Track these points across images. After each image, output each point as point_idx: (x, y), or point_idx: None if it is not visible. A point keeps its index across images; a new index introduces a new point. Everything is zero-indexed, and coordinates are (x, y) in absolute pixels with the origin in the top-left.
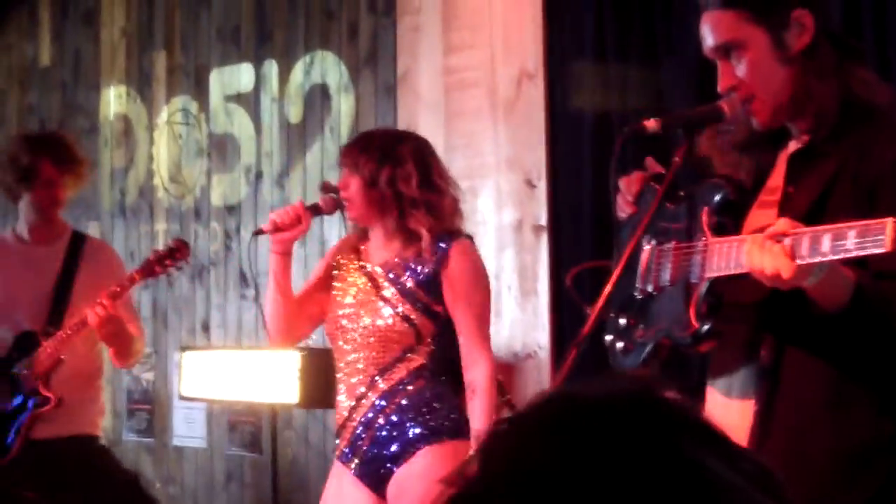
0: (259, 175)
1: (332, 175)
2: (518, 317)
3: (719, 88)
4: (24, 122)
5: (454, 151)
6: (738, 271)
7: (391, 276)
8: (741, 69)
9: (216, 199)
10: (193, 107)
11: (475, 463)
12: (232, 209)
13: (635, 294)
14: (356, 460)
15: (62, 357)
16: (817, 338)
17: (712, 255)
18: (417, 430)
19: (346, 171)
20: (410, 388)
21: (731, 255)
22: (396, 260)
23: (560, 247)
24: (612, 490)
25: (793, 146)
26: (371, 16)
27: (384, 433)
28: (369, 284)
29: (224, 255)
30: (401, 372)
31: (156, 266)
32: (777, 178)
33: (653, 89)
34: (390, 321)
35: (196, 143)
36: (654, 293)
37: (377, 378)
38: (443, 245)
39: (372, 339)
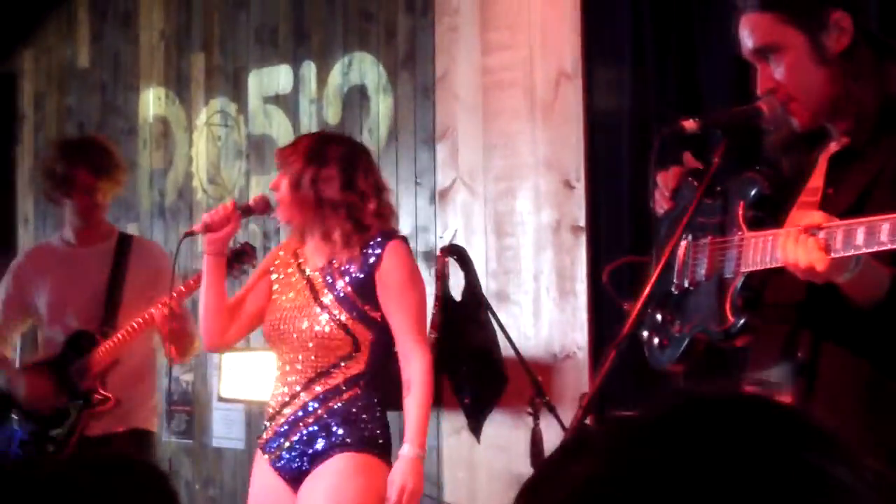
0: None
1: None
2: (556, 317)
3: (758, 90)
4: (62, 123)
5: (492, 152)
6: (774, 265)
7: (328, 280)
8: (780, 72)
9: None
10: (232, 108)
11: (587, 460)
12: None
13: (672, 289)
14: (277, 453)
15: (119, 357)
16: (853, 334)
17: (748, 250)
18: (340, 436)
19: (280, 172)
20: (345, 395)
21: (766, 249)
22: (333, 263)
23: (598, 247)
24: (739, 496)
25: (832, 147)
26: (409, 16)
27: (309, 433)
28: (307, 289)
29: (264, 256)
30: (337, 378)
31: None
32: (817, 180)
33: (691, 89)
34: (327, 329)
35: (234, 145)
36: (690, 288)
37: (314, 380)
38: (374, 247)
39: (310, 345)
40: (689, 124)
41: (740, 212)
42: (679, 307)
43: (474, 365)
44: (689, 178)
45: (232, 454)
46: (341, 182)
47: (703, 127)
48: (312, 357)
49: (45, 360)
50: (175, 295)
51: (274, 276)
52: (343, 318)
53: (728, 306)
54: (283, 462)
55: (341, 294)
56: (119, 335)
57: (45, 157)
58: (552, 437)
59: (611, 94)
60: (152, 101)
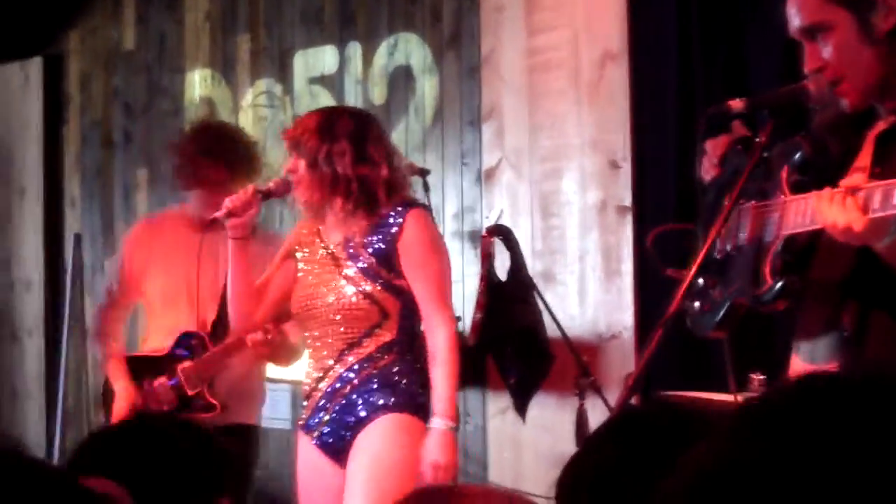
0: None
1: (415, 157)
2: (602, 298)
3: (805, 70)
4: (109, 105)
5: (538, 132)
6: (813, 227)
7: (350, 253)
8: (827, 51)
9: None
10: (278, 89)
11: (712, 445)
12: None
13: (715, 255)
14: (318, 430)
15: (227, 365)
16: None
17: (788, 213)
18: (381, 402)
19: (293, 154)
20: (380, 363)
21: (806, 212)
22: (354, 237)
23: (644, 227)
24: (881, 487)
25: (880, 126)
26: None
27: (348, 402)
28: (331, 264)
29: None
30: (369, 347)
31: None
32: (864, 159)
33: (737, 68)
34: (354, 299)
35: (280, 126)
36: (733, 253)
37: (345, 352)
38: (395, 216)
39: (338, 317)
40: (736, 104)
41: (784, 176)
42: (721, 272)
43: (520, 345)
44: (737, 146)
45: (278, 434)
46: (353, 155)
47: (750, 107)
48: (341, 329)
49: (153, 355)
50: (273, 328)
51: (299, 255)
52: (368, 288)
53: (767, 269)
54: (324, 437)
55: (364, 265)
56: (227, 344)
57: (180, 147)
58: (598, 418)
59: (656, 73)
60: (198, 83)
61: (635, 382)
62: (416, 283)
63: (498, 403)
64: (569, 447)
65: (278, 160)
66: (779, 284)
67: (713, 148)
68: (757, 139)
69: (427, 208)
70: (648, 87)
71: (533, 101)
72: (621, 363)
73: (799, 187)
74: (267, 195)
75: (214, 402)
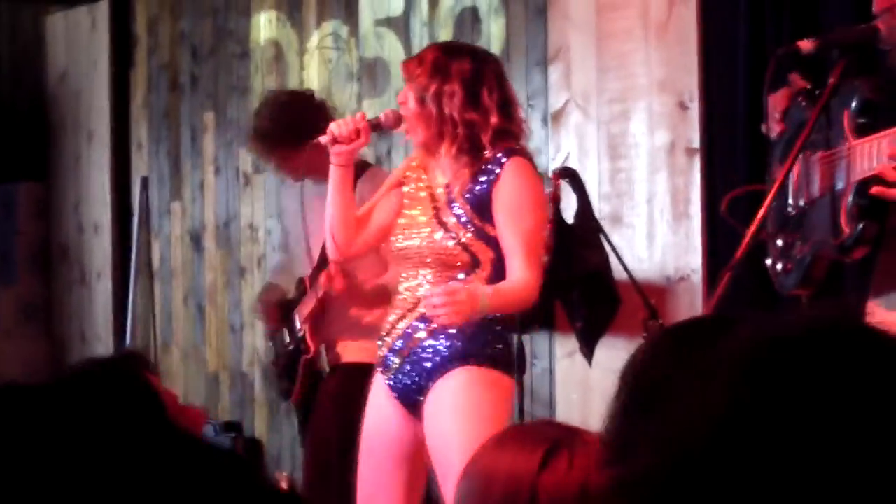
0: None
1: None
2: (670, 240)
3: (874, 9)
4: (175, 47)
5: (606, 73)
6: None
7: (450, 198)
8: None
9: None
10: (344, 31)
11: (723, 381)
12: (382, 133)
13: (790, 211)
14: (392, 372)
15: (324, 306)
16: None
17: (856, 157)
18: (458, 349)
19: (407, 85)
20: None
21: (873, 154)
22: (454, 182)
23: (713, 169)
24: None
25: None
26: None
27: (424, 347)
28: (430, 205)
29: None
30: None
31: None
32: None
33: (807, 8)
34: (448, 243)
35: (346, 68)
36: (807, 207)
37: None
38: (494, 164)
39: (429, 260)
40: (806, 45)
41: (846, 121)
42: (798, 228)
43: (587, 289)
44: (798, 99)
45: None
46: (464, 99)
47: (820, 47)
48: (430, 271)
49: (283, 300)
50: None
51: (405, 189)
52: (462, 235)
53: (843, 217)
54: (397, 380)
55: (460, 212)
56: (317, 285)
57: (257, 147)
58: None
59: (726, 12)
60: (264, 25)
61: None
62: (504, 235)
63: (565, 346)
64: None
65: (343, 101)
66: (857, 230)
67: (774, 103)
68: (829, 80)
69: (530, 158)
70: (717, 26)
71: (600, 41)
72: (689, 306)
73: (862, 130)
74: (376, 126)
75: (311, 343)
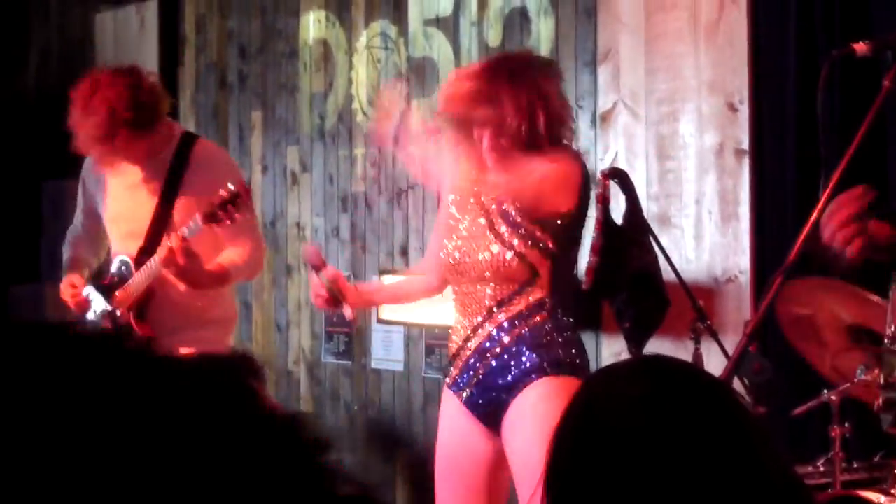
0: None
1: None
2: (719, 241)
3: None
4: (223, 47)
5: (655, 74)
6: None
7: (504, 208)
8: None
9: (414, 123)
10: (392, 31)
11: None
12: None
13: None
14: (468, 390)
15: (153, 288)
16: None
17: None
18: (535, 361)
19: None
20: (531, 320)
21: None
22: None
23: (762, 171)
24: None
25: None
26: None
27: (499, 363)
28: (483, 218)
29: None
30: (520, 304)
31: (218, 212)
32: None
33: (859, 9)
34: (506, 256)
35: (395, 68)
36: None
37: (495, 310)
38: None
39: (487, 274)
40: (861, 47)
41: None
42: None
43: (635, 289)
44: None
45: (391, 376)
46: (514, 107)
47: (875, 49)
48: (491, 286)
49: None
50: (178, 238)
51: (451, 197)
52: (517, 245)
53: None
54: (475, 398)
55: (517, 223)
56: (144, 267)
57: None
58: (713, 362)
59: (776, 13)
60: (313, 24)
61: (753, 330)
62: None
63: (612, 347)
64: None
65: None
66: None
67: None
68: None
69: (576, 155)
70: (767, 27)
71: (650, 42)
72: (737, 307)
73: None
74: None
75: (140, 330)
